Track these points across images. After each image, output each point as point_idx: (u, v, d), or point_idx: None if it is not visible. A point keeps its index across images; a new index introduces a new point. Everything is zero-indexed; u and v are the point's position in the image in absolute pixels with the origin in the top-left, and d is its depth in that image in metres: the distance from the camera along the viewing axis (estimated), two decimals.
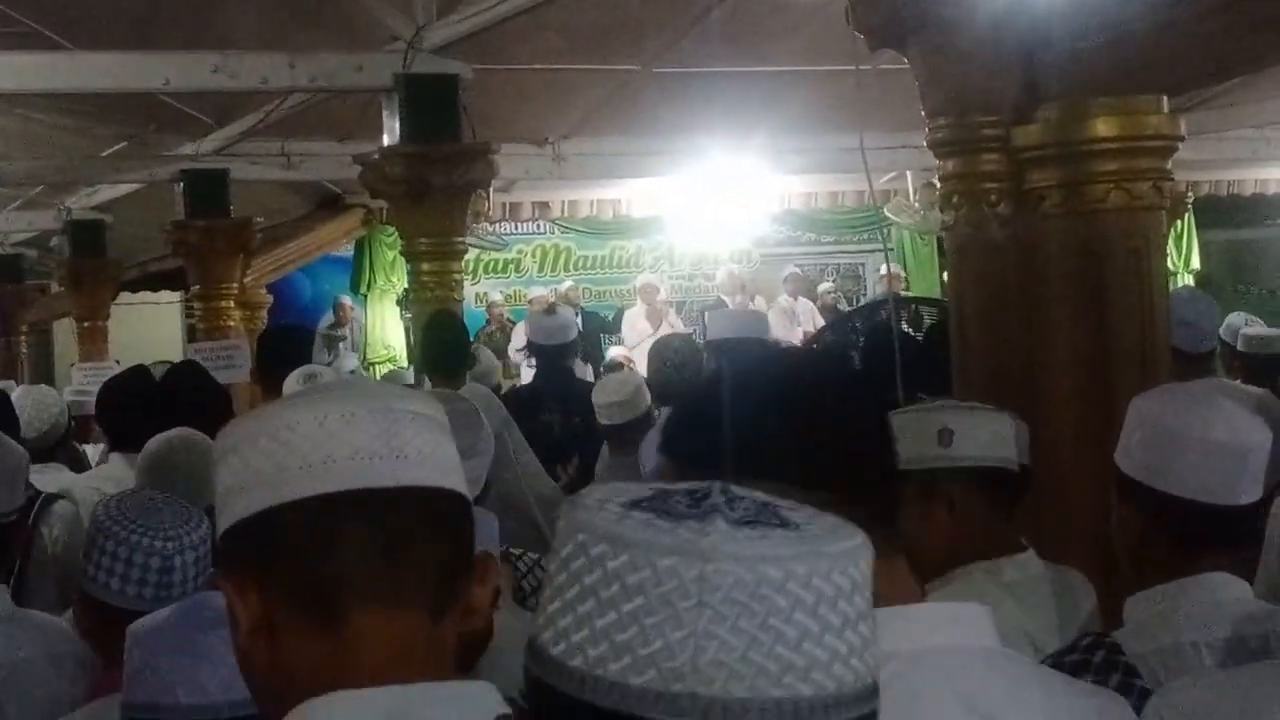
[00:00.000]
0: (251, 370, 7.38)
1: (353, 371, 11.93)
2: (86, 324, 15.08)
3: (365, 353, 15.69)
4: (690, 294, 17.65)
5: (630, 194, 14.67)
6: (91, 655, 3.00)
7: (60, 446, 6.37)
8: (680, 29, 9.15)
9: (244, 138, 11.02)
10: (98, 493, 4.61)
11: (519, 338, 15.37)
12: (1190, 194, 14.82)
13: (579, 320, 13.41)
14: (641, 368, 9.16)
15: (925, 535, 2.82)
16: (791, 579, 1.02)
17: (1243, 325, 8.05)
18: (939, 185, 4.70)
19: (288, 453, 1.44)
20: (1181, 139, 4.36)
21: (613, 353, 14.07)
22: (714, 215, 14.92)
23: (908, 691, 1.52)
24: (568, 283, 17.13)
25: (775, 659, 1.01)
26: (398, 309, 15.49)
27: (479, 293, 16.94)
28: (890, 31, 4.59)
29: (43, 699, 3.05)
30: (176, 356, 14.58)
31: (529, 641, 1.09)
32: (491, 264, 17.56)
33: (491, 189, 10.53)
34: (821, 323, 13.56)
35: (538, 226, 16.98)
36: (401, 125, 8.33)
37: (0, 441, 3.54)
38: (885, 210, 13.94)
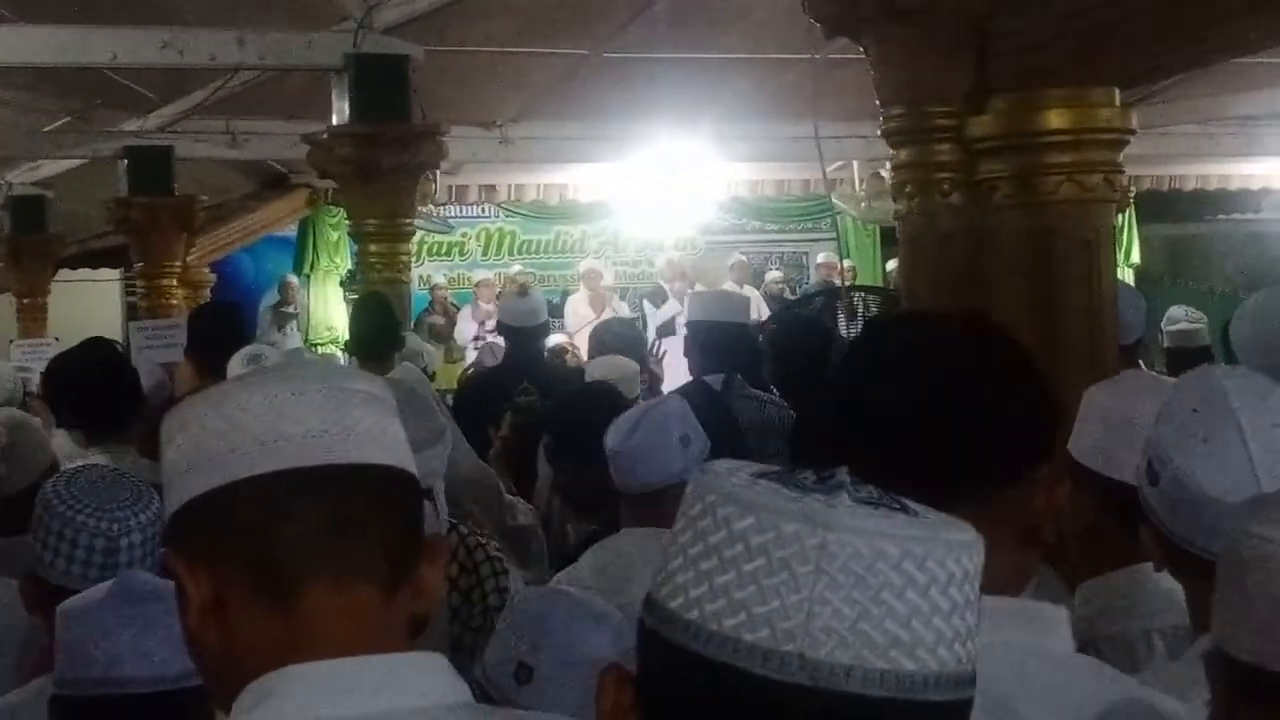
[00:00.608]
0: (185, 348, 7.34)
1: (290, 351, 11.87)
2: (26, 300, 14.95)
3: (308, 333, 15.60)
4: (635, 280, 17.63)
5: (577, 179, 14.67)
6: (36, 633, 2.98)
7: None
8: (630, 14, 9.15)
9: (189, 115, 10.95)
10: None
11: (465, 321, 15.33)
12: (1132, 188, 14.93)
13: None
14: (584, 353, 9.15)
15: None
16: (908, 558, 1.06)
17: (1183, 318, 8.14)
18: (892, 174, 4.72)
19: (239, 432, 1.44)
20: (1133, 132, 4.40)
21: (554, 339, 14.04)
22: (660, 202, 14.92)
23: None
24: (515, 267, 17.09)
25: (883, 632, 1.05)
26: (341, 290, 15.41)
27: (422, 275, 16.87)
28: (845, 20, 4.60)
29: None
30: (116, 334, 14.48)
31: (647, 597, 1.13)
32: (435, 246, 17.48)
33: (439, 171, 10.51)
34: (768, 311, 13.57)
35: (483, 210, 16.92)
36: (351, 105, 8.31)
37: None
38: (836, 200, 13.99)
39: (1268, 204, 16.24)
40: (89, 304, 16.85)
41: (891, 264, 14.89)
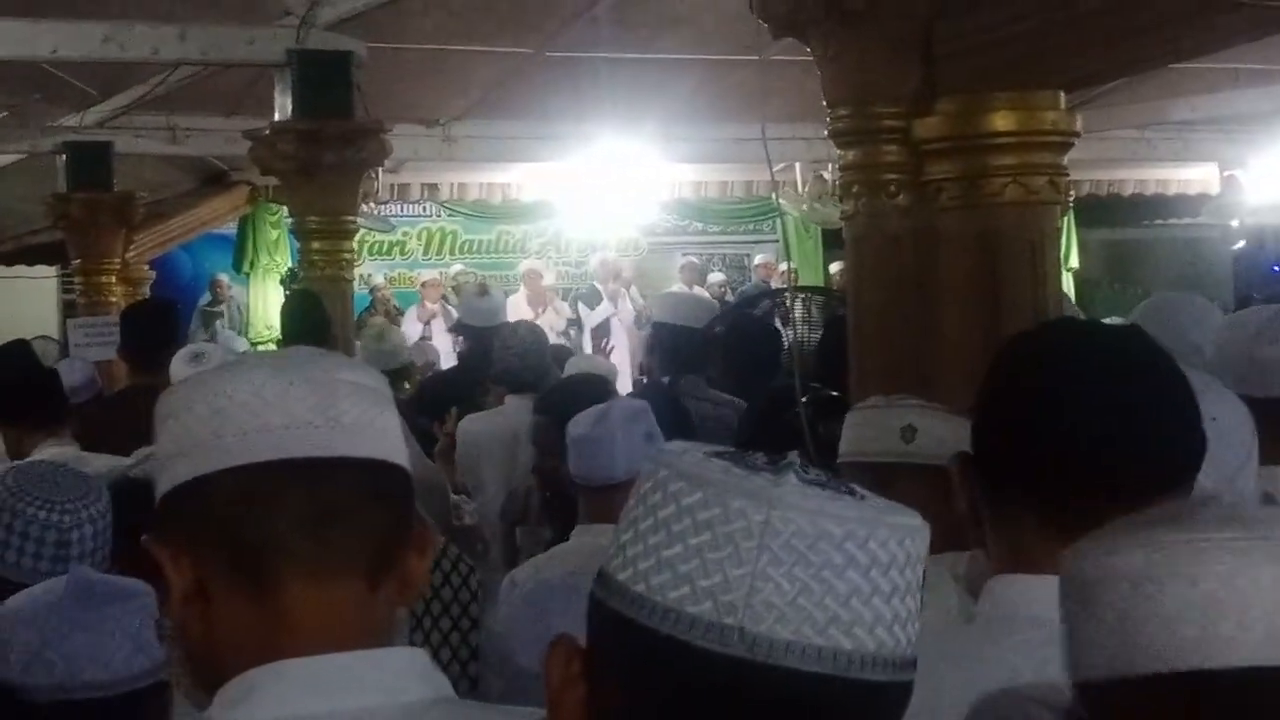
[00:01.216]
0: (118, 346, 7.28)
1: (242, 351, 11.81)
2: None
3: (247, 332, 15.50)
4: (577, 280, 17.61)
5: (520, 178, 14.62)
6: None
7: None
8: (574, 13, 9.14)
9: (129, 110, 10.84)
10: None
11: (410, 322, 15.25)
12: (1072, 192, 15.02)
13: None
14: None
15: None
16: (850, 539, 1.08)
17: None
18: (839, 175, 4.74)
19: (223, 420, 1.44)
20: (1077, 135, 4.44)
21: None
22: (603, 202, 14.91)
23: None
24: (456, 266, 17.03)
25: (822, 609, 1.07)
26: (281, 288, 15.32)
27: (363, 274, 16.80)
28: (793, 20, 4.61)
29: None
30: (52, 331, 14.35)
31: (599, 571, 1.15)
32: (376, 246, 17.40)
33: (381, 169, 10.47)
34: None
35: (424, 209, 16.87)
36: (293, 101, 8.25)
37: None
38: (782, 201, 14.02)
39: (1205, 209, 16.39)
40: (25, 301, 16.68)
41: (835, 266, 14.95)
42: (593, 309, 15.83)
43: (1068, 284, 15.16)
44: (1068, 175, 4.49)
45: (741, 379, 6.15)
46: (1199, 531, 1.30)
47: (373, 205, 13.23)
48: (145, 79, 9.97)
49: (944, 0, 4.38)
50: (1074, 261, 16.84)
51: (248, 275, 15.72)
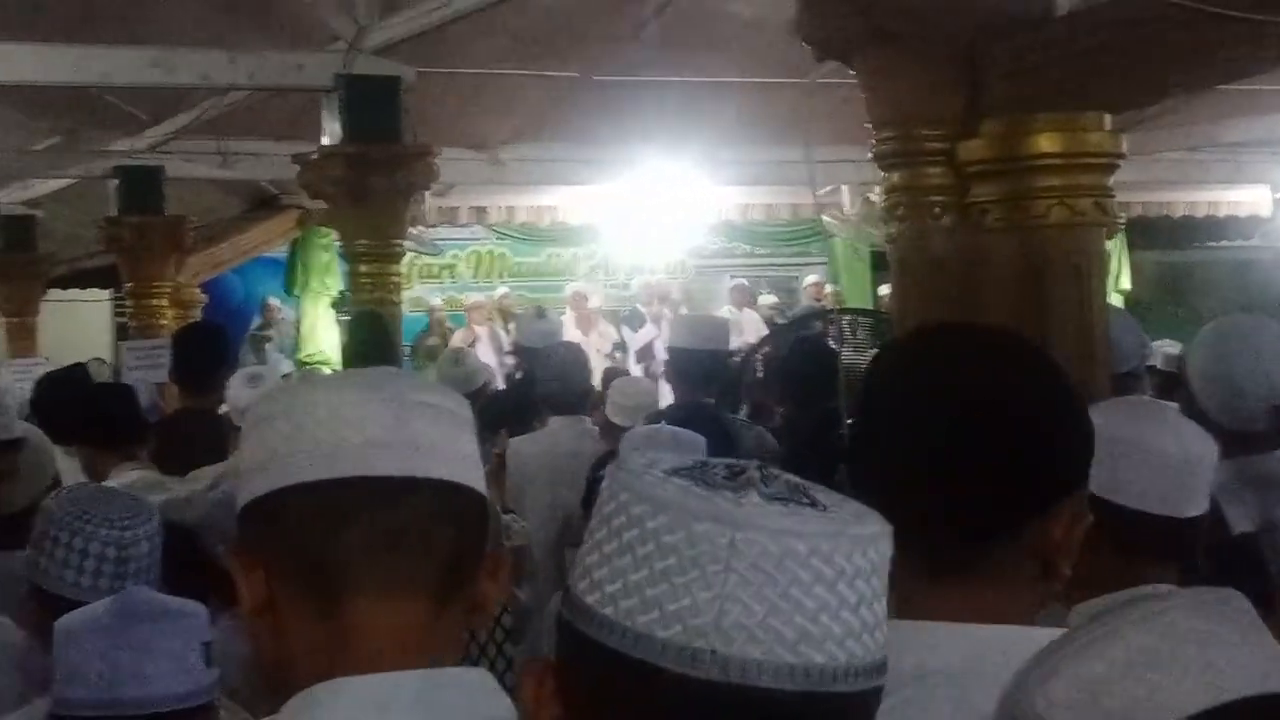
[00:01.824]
0: (169, 370, 7.33)
1: (286, 375, 11.86)
2: (15, 320, 14.90)
3: (297, 354, 15.57)
4: (624, 303, 17.64)
5: (567, 201, 14.66)
6: (33, 651, 2.96)
7: None
8: (620, 38, 9.16)
9: (180, 135, 10.93)
10: None
11: (455, 345, 15.27)
12: (1122, 214, 14.94)
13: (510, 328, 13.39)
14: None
15: None
16: (815, 554, 1.08)
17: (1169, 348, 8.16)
18: (884, 197, 4.73)
19: (301, 436, 1.45)
20: (1123, 156, 4.42)
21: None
22: (650, 225, 14.93)
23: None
24: (502, 289, 17.08)
25: (793, 626, 1.07)
26: (332, 311, 15.39)
27: (413, 297, 16.87)
28: (837, 44, 4.62)
29: None
30: (106, 354, 14.45)
31: (565, 591, 1.15)
32: (426, 269, 17.48)
33: (429, 193, 10.52)
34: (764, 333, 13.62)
35: (473, 232, 16.92)
36: (342, 126, 8.31)
37: None
38: (826, 223, 14.01)
39: (1257, 231, 16.27)
40: (79, 324, 16.82)
41: (884, 288, 14.91)
42: (636, 331, 15.84)
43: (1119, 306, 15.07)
44: (1113, 196, 4.47)
45: (799, 399, 6.14)
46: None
47: (421, 229, 13.30)
48: (196, 104, 10.06)
49: (988, 22, 4.37)
50: (1125, 283, 16.75)
51: (298, 298, 15.80)
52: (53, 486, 4.00)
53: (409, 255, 13.73)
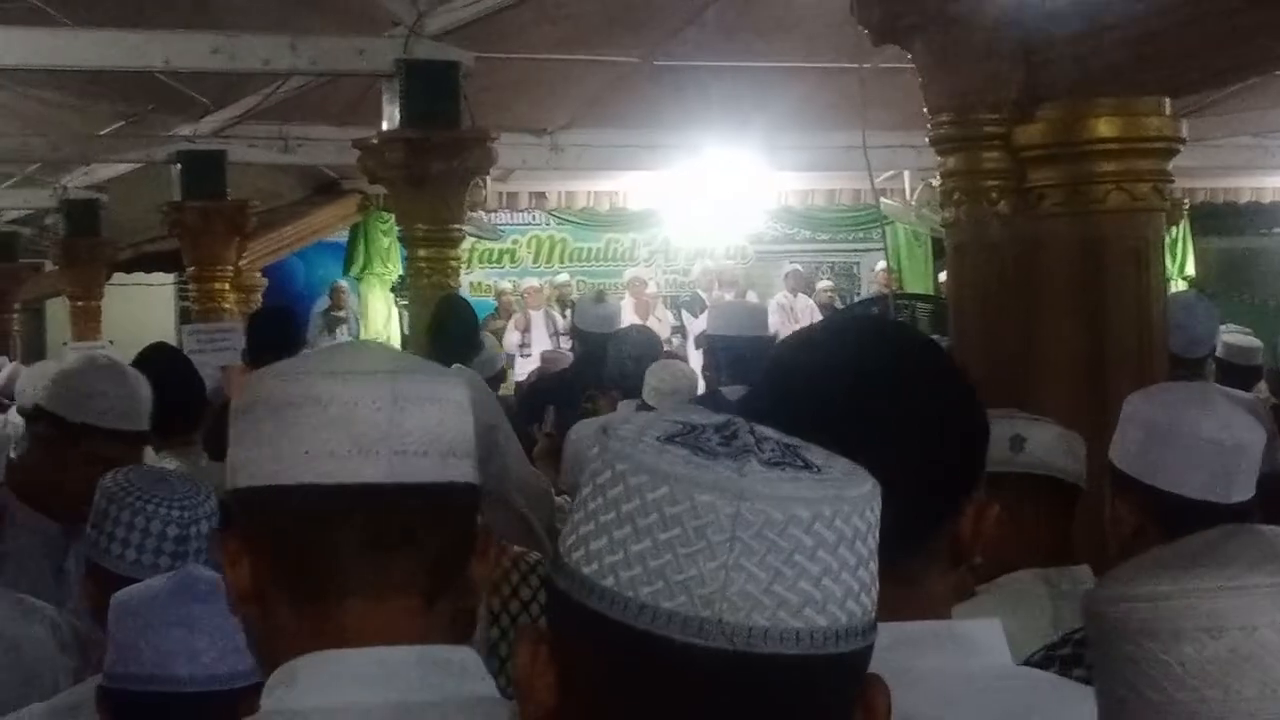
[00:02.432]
0: (242, 352, 7.42)
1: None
2: (80, 303, 15.07)
3: (360, 337, 15.65)
4: (683, 288, 17.64)
5: (627, 187, 14.67)
6: (91, 630, 2.99)
7: None
8: (681, 22, 9.15)
9: (242, 120, 11.01)
10: None
11: (509, 331, 15.33)
12: (1186, 200, 14.82)
13: (569, 313, 13.39)
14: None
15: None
16: (818, 520, 1.09)
17: (1236, 333, 8.06)
18: (939, 182, 4.70)
19: (289, 438, 1.44)
20: (1183, 141, 4.37)
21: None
22: (710, 210, 14.90)
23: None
24: (563, 275, 17.11)
25: (798, 592, 1.08)
26: (391, 296, 15.46)
27: (473, 281, 16.92)
28: (894, 28, 4.59)
29: (47, 674, 3.04)
30: (170, 338, 14.56)
31: (554, 558, 1.15)
32: (486, 253, 17.53)
33: (489, 178, 10.54)
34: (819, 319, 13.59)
35: (533, 217, 16.96)
36: (401, 111, 8.34)
37: None
38: (884, 209, 13.94)
39: None
40: (142, 307, 16.98)
41: (945, 274, 14.83)
42: (696, 316, 15.84)
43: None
44: (1173, 181, 4.43)
45: None
46: (1225, 574, 1.23)
47: (481, 214, 13.34)
48: (258, 89, 10.12)
49: (1046, 5, 4.34)
50: (1190, 270, 16.60)
51: (357, 280, 15.88)
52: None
53: (469, 240, 13.80)
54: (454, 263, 8.69)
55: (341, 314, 15.96)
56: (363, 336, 15.67)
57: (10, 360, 11.71)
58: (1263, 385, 7.37)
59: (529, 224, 17.48)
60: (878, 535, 1.13)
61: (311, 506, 1.43)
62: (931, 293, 14.71)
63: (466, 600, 1.52)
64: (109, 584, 2.77)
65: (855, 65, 6.73)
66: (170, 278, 16.99)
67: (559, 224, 17.43)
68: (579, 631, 1.12)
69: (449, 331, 6.89)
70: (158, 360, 5.52)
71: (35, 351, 17.59)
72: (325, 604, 1.45)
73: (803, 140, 12.06)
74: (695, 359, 14.01)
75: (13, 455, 4.53)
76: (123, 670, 2.32)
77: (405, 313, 13.35)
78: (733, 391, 5.64)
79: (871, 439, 1.41)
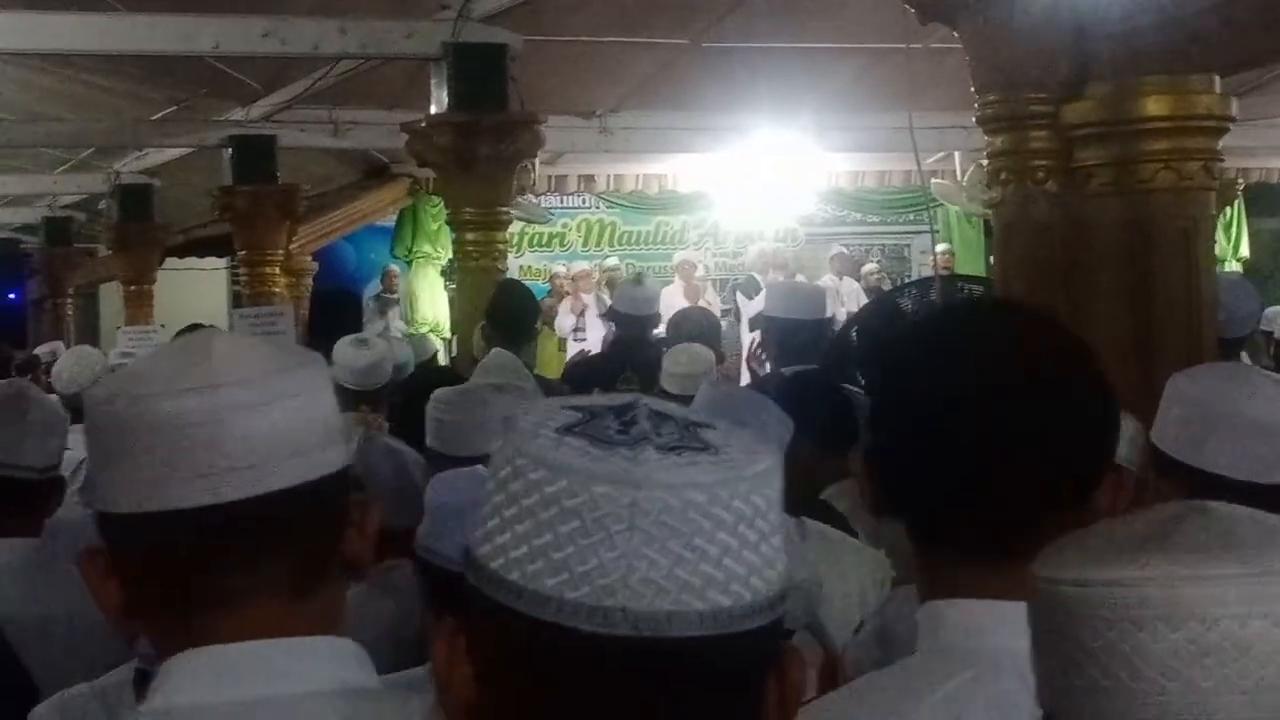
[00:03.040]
0: (301, 333, 7.46)
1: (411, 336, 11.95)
2: (133, 288, 15.18)
3: (409, 320, 15.70)
4: (734, 271, 17.60)
5: (676, 169, 14.64)
6: None
7: None
8: (729, 4, 9.12)
9: (292, 104, 11.05)
10: None
11: (564, 315, 15.36)
12: (1240, 180, 14.69)
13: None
14: None
15: None
16: (715, 502, 1.10)
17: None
18: (987, 162, 4.68)
19: (126, 465, 1.45)
20: (1233, 120, 4.34)
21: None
22: (760, 193, 14.87)
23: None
24: (612, 259, 17.10)
25: (699, 575, 1.09)
26: (441, 279, 15.49)
27: (524, 265, 16.94)
28: (941, 7, 4.57)
29: (89, 650, 3.06)
30: (221, 322, 14.67)
31: (466, 552, 1.16)
32: (536, 237, 17.54)
33: (538, 161, 10.54)
34: (864, 302, 13.53)
35: (582, 200, 16.95)
36: (449, 94, 8.35)
37: (34, 397, 3.53)
38: (934, 191, 13.88)
39: None
40: (195, 292, 17.09)
41: None
42: (751, 298, 15.80)
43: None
44: (1222, 160, 4.39)
45: (875, 366, 6.11)
46: (1184, 562, 1.20)
47: (530, 197, 13.34)
48: (308, 73, 10.15)
49: None
50: (1244, 251, 16.47)
51: (408, 264, 15.93)
52: None
53: (518, 224, 13.81)
54: (501, 246, 8.69)
55: (394, 296, 16.01)
56: (412, 319, 15.74)
57: (65, 346, 11.81)
58: None
59: (578, 207, 17.48)
60: (780, 509, 1.14)
61: (174, 528, 1.45)
62: (984, 274, 14.65)
63: (351, 573, 1.55)
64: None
65: (903, 46, 6.72)
66: (222, 262, 17.09)
67: (608, 207, 17.42)
68: (491, 625, 1.13)
69: (505, 318, 6.92)
70: None
71: (89, 336, 17.74)
72: (188, 621, 1.47)
73: (852, 121, 12.02)
74: (748, 340, 14.03)
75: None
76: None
77: (455, 296, 13.40)
78: (789, 372, 5.65)
79: (1022, 424, 1.59)
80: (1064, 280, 4.34)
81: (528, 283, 15.72)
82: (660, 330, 8.68)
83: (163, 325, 12.55)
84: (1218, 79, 4.31)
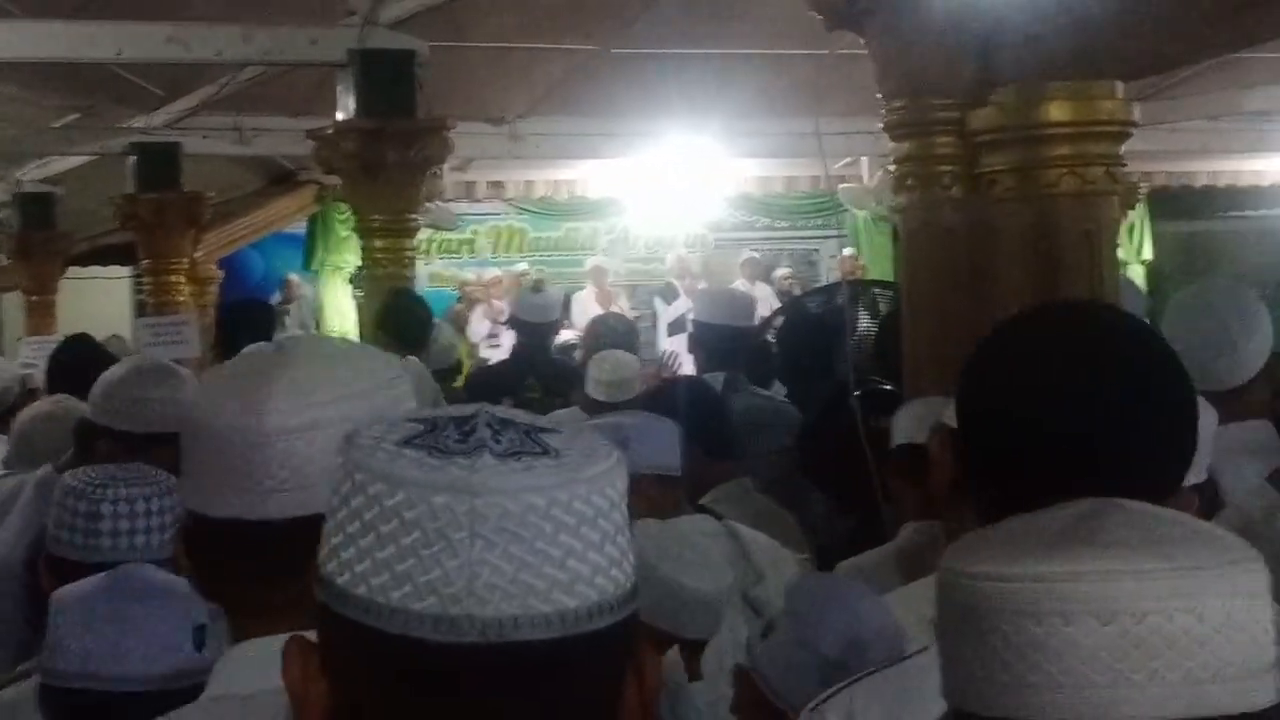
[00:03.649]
0: (212, 344, 7.36)
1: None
2: (35, 298, 14.93)
3: (318, 330, 15.57)
4: (645, 277, 17.60)
5: (586, 175, 14.65)
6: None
7: (11, 415, 6.32)
8: (638, 9, 9.14)
9: (196, 111, 10.94)
10: None
11: (478, 321, 15.30)
12: (1143, 184, 14.88)
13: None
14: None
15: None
16: (554, 505, 1.11)
17: None
18: (894, 168, 4.70)
19: (203, 470, 1.59)
20: (1135, 125, 4.38)
21: (564, 335, 14.02)
22: (669, 198, 14.90)
23: None
24: (522, 265, 17.06)
25: (543, 577, 1.10)
26: (350, 287, 15.39)
27: (433, 272, 16.86)
28: (847, 13, 4.58)
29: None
30: (125, 331, 14.48)
31: (314, 572, 1.16)
32: (444, 244, 17.46)
33: (447, 167, 10.50)
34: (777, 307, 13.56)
35: (492, 206, 16.91)
36: (356, 101, 8.29)
37: None
38: (840, 196, 13.96)
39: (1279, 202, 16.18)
40: (98, 301, 16.85)
41: None
42: (669, 304, 15.83)
43: (1139, 277, 15.03)
44: (1125, 165, 4.43)
45: (794, 374, 6.12)
46: (1114, 558, 1.23)
47: (439, 204, 13.29)
48: (212, 80, 10.06)
49: None
50: (1147, 253, 16.68)
51: (316, 273, 15.81)
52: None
53: (429, 231, 13.73)
54: (410, 253, 8.64)
55: (286, 308, 15.85)
56: (322, 330, 15.61)
57: None
58: None
59: (488, 214, 17.42)
60: (625, 508, 1.15)
61: (211, 542, 1.60)
62: (892, 279, 14.71)
63: None
64: (50, 566, 2.77)
65: (813, 52, 6.75)
66: (125, 271, 16.88)
67: (518, 213, 17.38)
68: (341, 640, 1.14)
69: (397, 325, 6.90)
70: (80, 353, 5.48)
71: None
72: (245, 613, 1.62)
73: (761, 127, 12.06)
74: (666, 345, 14.04)
75: None
76: (53, 665, 2.31)
77: (362, 304, 13.31)
78: (714, 378, 5.66)
79: (1126, 430, 1.69)
80: (970, 284, 4.36)
81: (437, 290, 15.71)
82: (570, 337, 8.65)
83: (65, 336, 12.35)
84: (1120, 85, 4.35)
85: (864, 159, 13.85)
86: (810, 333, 6.33)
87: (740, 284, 15.56)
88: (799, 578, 3.18)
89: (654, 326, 15.63)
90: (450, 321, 14.60)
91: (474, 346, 14.82)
